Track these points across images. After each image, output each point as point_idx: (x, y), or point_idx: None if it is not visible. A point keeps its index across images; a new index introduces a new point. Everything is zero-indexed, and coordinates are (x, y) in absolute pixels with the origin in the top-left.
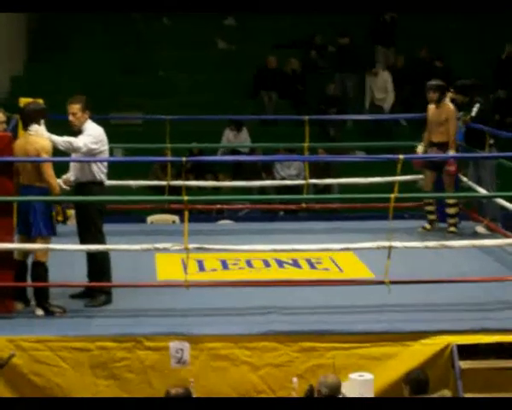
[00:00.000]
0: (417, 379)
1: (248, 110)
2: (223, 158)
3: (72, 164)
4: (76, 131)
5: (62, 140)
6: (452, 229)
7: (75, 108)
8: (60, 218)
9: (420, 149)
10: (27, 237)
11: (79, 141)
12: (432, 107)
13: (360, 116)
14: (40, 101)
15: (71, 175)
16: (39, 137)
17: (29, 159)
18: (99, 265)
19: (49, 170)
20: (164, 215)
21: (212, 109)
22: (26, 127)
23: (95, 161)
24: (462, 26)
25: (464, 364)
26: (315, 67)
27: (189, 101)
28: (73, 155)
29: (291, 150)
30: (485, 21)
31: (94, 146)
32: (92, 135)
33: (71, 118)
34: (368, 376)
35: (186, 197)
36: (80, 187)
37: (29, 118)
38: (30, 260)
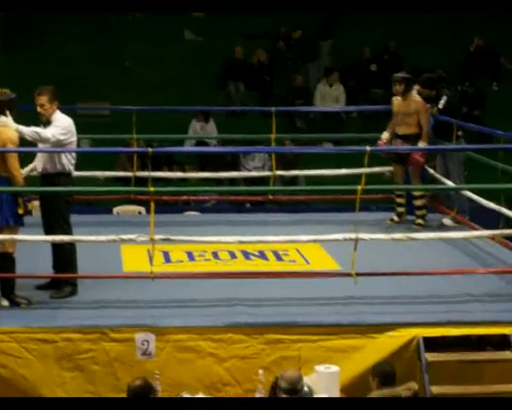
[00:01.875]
0: (384, 371)
1: (216, 101)
2: (189, 149)
3: (39, 155)
4: (44, 122)
5: (30, 130)
6: (419, 221)
7: (43, 99)
8: (20, 211)
9: (385, 135)
10: None
11: (47, 132)
12: (398, 99)
13: (327, 108)
14: (6, 90)
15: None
16: (6, 127)
17: None
18: (65, 256)
19: (14, 161)
20: (130, 206)
21: (179, 100)
22: None
23: (61, 152)
24: (429, 18)
25: (430, 356)
26: (282, 58)
27: (157, 92)
28: (41, 146)
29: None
30: (453, 14)
31: (62, 137)
32: (60, 126)
33: (39, 109)
34: (334, 368)
35: (152, 188)
36: (47, 178)
37: None
38: None
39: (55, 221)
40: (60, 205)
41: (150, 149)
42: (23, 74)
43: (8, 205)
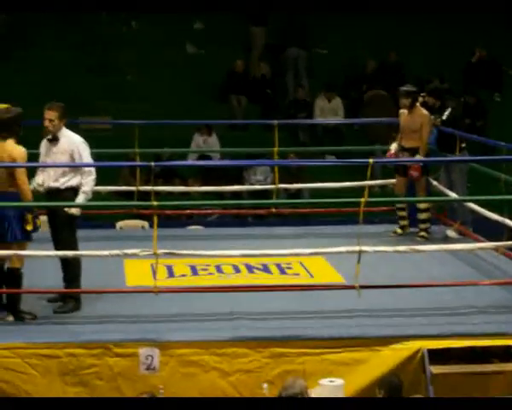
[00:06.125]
0: (391, 383)
1: (218, 115)
2: (191, 163)
3: (49, 171)
4: (51, 138)
5: (89, 190)
6: (422, 234)
7: (53, 115)
8: (29, 227)
9: (394, 146)
10: (1, 243)
11: (91, 179)
12: (404, 112)
13: (330, 120)
14: (5, 106)
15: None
16: (16, 145)
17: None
18: (71, 270)
19: (23, 177)
20: (133, 221)
21: (181, 114)
22: (2, 136)
23: (66, 167)
24: (431, 28)
25: (435, 369)
26: (285, 71)
27: (158, 105)
28: (49, 161)
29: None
30: (455, 24)
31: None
32: (87, 156)
33: (47, 124)
34: (338, 381)
35: (155, 202)
36: (56, 193)
37: (4, 126)
38: (5, 266)
39: (64, 236)
40: (69, 220)
41: (153, 164)
42: (13, 87)
43: (16, 220)
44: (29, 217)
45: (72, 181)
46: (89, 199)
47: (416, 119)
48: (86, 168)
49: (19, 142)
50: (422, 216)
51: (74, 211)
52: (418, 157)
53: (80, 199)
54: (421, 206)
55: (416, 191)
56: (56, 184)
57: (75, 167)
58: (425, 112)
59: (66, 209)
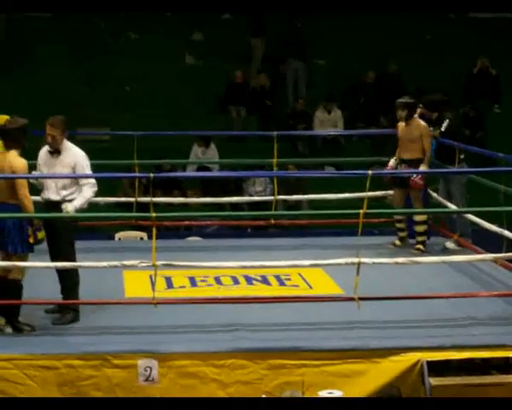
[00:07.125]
0: (390, 395)
1: (217, 126)
2: (191, 174)
3: (50, 183)
4: (52, 151)
5: (88, 196)
6: (419, 246)
7: (56, 132)
8: (31, 240)
9: (392, 162)
10: (6, 253)
11: (89, 191)
12: (402, 124)
13: (328, 132)
14: (4, 117)
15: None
16: (16, 156)
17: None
18: (69, 282)
19: (24, 190)
20: (132, 232)
21: (180, 125)
22: (7, 146)
23: (54, 178)
24: (431, 39)
25: (434, 381)
26: (284, 82)
27: (157, 116)
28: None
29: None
30: (455, 35)
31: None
32: (88, 167)
33: (50, 140)
34: (337, 393)
35: (154, 214)
36: (56, 205)
37: (10, 136)
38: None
39: (62, 247)
40: (68, 230)
41: (152, 175)
42: (12, 99)
43: (15, 232)
44: (30, 230)
45: (73, 195)
46: (84, 207)
47: (413, 130)
48: (91, 181)
49: (23, 152)
50: (419, 229)
51: (70, 208)
52: (423, 167)
53: (78, 201)
54: (418, 218)
55: (413, 203)
56: (57, 198)
57: (77, 182)
58: (422, 122)
59: (62, 207)
